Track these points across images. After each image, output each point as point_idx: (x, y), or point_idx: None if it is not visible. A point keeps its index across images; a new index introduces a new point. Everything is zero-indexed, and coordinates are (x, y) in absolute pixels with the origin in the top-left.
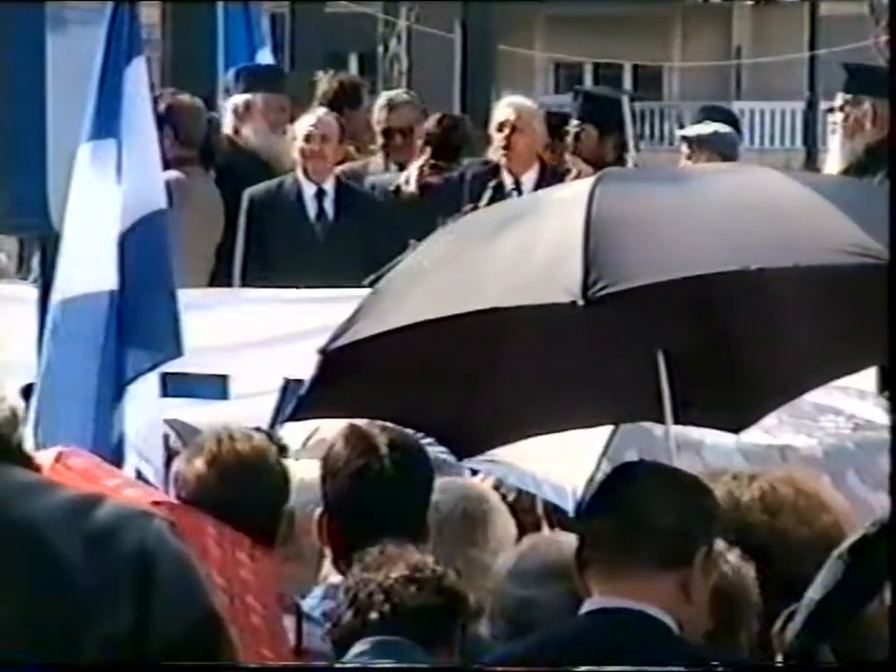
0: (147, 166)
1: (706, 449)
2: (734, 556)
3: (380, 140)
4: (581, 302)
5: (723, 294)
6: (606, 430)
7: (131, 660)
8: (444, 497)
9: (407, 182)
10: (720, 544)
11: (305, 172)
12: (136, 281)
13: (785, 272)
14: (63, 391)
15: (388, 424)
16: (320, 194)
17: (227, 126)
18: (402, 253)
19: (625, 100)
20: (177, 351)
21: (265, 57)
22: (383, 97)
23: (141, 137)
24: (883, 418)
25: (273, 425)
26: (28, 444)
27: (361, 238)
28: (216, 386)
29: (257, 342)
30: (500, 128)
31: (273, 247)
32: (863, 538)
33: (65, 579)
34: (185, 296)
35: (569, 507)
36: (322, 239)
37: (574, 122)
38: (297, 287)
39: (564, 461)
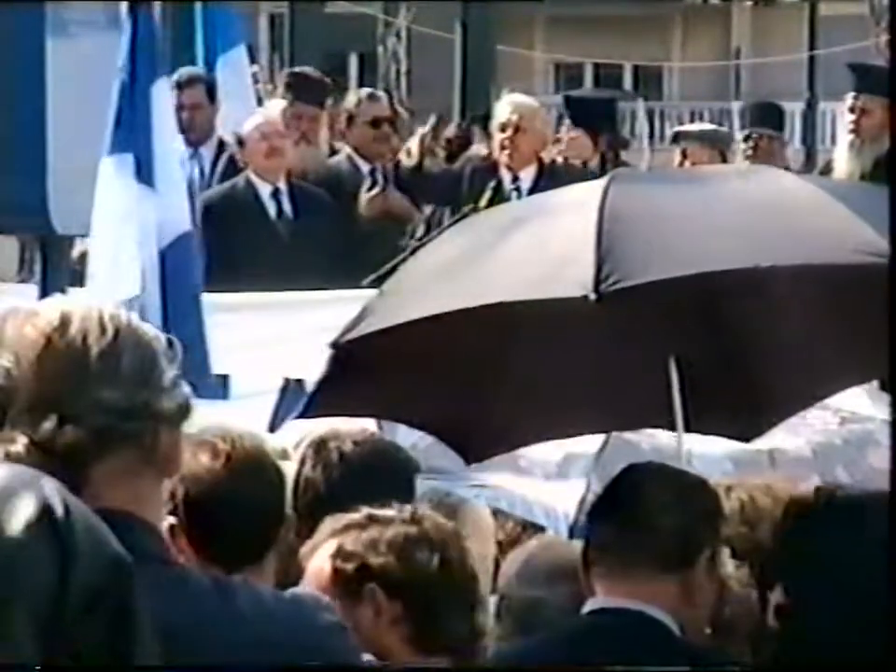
0: (177, 185)
1: (694, 458)
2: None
3: (362, 132)
4: (592, 297)
5: (736, 299)
6: (593, 450)
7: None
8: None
9: (409, 155)
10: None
11: (257, 171)
12: (174, 297)
13: (798, 273)
14: None
15: (345, 431)
16: (276, 193)
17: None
18: (366, 251)
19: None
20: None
21: (239, 55)
22: (361, 91)
23: (170, 156)
24: (866, 408)
25: (272, 425)
26: None
27: (321, 235)
28: (216, 386)
29: (257, 342)
30: (503, 128)
31: (237, 250)
32: None
33: None
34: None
35: (562, 529)
36: (285, 238)
37: (566, 128)
38: (290, 290)
39: (553, 482)
